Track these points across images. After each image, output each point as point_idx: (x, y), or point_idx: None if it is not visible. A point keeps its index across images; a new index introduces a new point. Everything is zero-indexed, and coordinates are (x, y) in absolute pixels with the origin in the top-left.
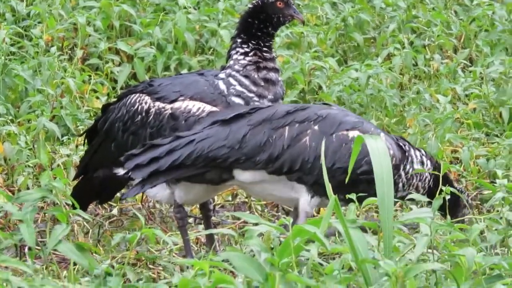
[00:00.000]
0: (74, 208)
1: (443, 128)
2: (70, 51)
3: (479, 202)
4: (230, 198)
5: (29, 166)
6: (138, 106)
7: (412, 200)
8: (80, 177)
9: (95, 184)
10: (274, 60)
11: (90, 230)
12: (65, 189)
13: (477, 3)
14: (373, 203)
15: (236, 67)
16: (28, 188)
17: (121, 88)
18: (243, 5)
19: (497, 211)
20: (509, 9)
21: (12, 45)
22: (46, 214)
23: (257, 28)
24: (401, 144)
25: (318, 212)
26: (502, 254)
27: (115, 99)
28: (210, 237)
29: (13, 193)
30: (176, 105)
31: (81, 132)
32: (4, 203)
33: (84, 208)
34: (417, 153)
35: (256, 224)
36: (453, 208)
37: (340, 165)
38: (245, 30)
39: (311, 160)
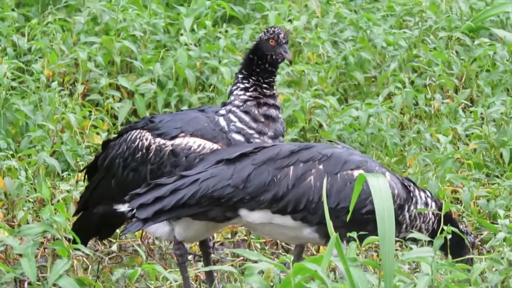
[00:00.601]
0: (75, 242)
1: (444, 168)
2: (71, 87)
3: (479, 243)
4: (229, 236)
5: (29, 201)
6: (138, 143)
7: (413, 240)
8: (80, 213)
9: (95, 219)
10: (275, 97)
11: (90, 266)
12: (66, 224)
13: (479, 43)
14: (374, 241)
15: (236, 102)
16: (28, 223)
17: (122, 124)
18: (243, 42)
19: (498, 251)
20: (511, 49)
21: (13, 79)
22: (46, 249)
23: (256, 65)
24: (406, 184)
25: (318, 250)
26: None
27: (115, 135)
28: (209, 275)
29: (13, 228)
30: (177, 141)
31: (81, 167)
32: (5, 237)
33: (84, 244)
34: (422, 194)
35: (256, 262)
36: (456, 249)
37: (345, 204)
38: (246, 66)
39: (315, 200)
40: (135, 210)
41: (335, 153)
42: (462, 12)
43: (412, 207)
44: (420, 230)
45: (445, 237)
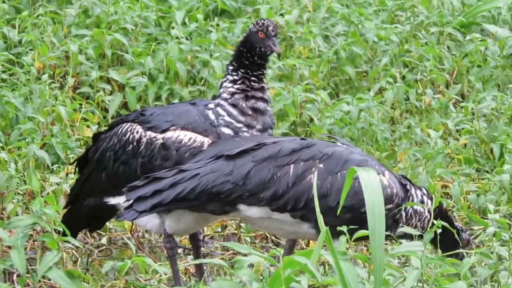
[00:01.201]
0: (65, 235)
1: (434, 163)
2: (61, 79)
3: (473, 241)
4: (219, 229)
5: (19, 193)
6: (129, 136)
7: (410, 237)
8: (70, 206)
9: (85, 212)
10: (264, 90)
11: (79, 259)
12: (56, 216)
13: (470, 38)
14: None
15: (224, 95)
16: (17, 215)
17: (112, 117)
18: (235, 36)
19: (488, 246)
20: (502, 45)
21: (3, 72)
22: (36, 242)
23: (246, 57)
24: (403, 183)
25: (307, 245)
26: None
27: (106, 128)
28: (199, 268)
29: (3, 220)
30: (168, 134)
31: (71, 160)
32: None
33: (73, 236)
34: (418, 192)
35: (246, 255)
36: (450, 247)
37: (345, 203)
38: (236, 58)
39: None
40: (131, 202)
41: (335, 152)
42: (453, 7)
43: (409, 206)
44: (415, 228)
45: (440, 235)
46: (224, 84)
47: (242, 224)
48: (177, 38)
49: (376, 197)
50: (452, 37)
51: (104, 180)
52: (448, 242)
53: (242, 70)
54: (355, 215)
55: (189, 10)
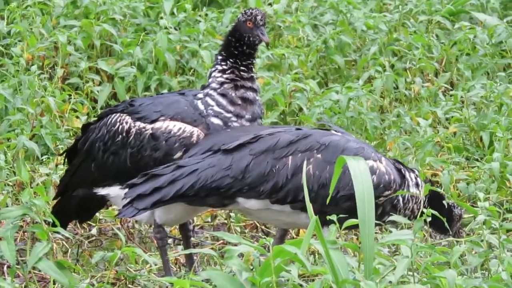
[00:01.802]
0: (54, 226)
1: (424, 151)
2: (50, 70)
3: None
4: (209, 219)
5: (8, 184)
6: (118, 126)
7: (393, 222)
8: (60, 197)
9: (74, 202)
10: (253, 79)
11: (69, 249)
12: (46, 207)
13: (459, 27)
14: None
15: (214, 85)
16: (7, 206)
17: (101, 108)
18: (223, 26)
19: (478, 234)
20: (491, 33)
21: None
22: (26, 233)
23: (235, 47)
24: (398, 167)
25: (297, 234)
26: (482, 277)
27: (95, 119)
28: (189, 258)
29: None
30: (157, 125)
31: (61, 151)
32: None
33: (63, 227)
34: (412, 175)
35: (236, 245)
36: (447, 223)
37: (344, 193)
38: (225, 48)
39: (315, 189)
40: (128, 199)
41: (332, 142)
42: None
43: (405, 190)
44: (412, 211)
45: (438, 209)
46: (213, 74)
47: (232, 214)
48: (165, 28)
49: (365, 186)
50: (441, 25)
51: (93, 170)
52: (440, 222)
53: (231, 60)
54: (354, 204)
55: (178, 0)
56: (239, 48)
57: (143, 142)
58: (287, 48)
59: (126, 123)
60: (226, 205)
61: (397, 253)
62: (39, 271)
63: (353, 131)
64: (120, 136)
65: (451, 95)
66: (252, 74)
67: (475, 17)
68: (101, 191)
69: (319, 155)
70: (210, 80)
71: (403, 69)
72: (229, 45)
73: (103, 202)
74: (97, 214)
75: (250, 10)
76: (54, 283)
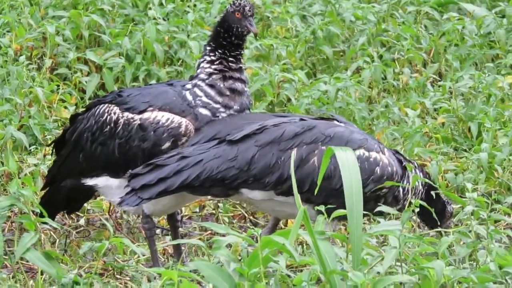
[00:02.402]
0: (42, 216)
1: (412, 142)
2: (39, 61)
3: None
4: (197, 210)
5: None
6: (107, 117)
7: (381, 214)
8: (48, 187)
9: (62, 193)
10: (241, 70)
11: (57, 240)
12: (34, 198)
13: (447, 17)
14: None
15: (202, 75)
16: None
17: (90, 98)
18: (212, 16)
19: (466, 224)
20: (479, 24)
21: None
22: (14, 223)
23: (223, 38)
24: (399, 158)
25: (286, 224)
26: (470, 267)
27: (83, 109)
28: (177, 248)
29: None
30: (145, 115)
31: (49, 141)
32: None
33: (51, 217)
34: (411, 166)
35: (224, 235)
36: (438, 218)
37: None
38: (214, 38)
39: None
40: (137, 191)
41: (337, 133)
42: None
43: (405, 181)
44: (411, 202)
45: (430, 206)
46: (202, 65)
47: (220, 204)
48: (154, 18)
49: (353, 176)
50: (429, 16)
51: (81, 161)
52: (437, 213)
53: (219, 51)
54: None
55: None
56: (227, 39)
57: (131, 133)
58: (276, 39)
59: (114, 113)
60: (230, 195)
61: (385, 243)
62: (27, 261)
63: None
64: (108, 126)
65: (439, 86)
66: (241, 65)
67: (464, 8)
68: (89, 181)
69: (323, 147)
70: (199, 70)
71: (391, 60)
72: (217, 36)
73: (91, 192)
74: (85, 204)
75: (239, 1)
76: (42, 274)
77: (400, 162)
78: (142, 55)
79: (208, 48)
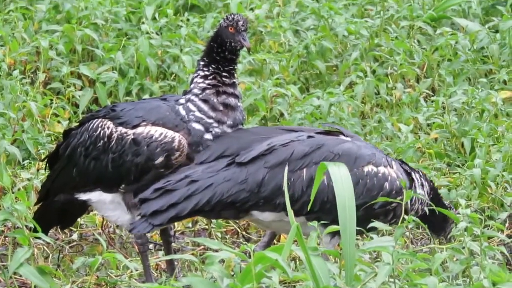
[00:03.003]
0: (36, 231)
1: (405, 157)
2: (32, 75)
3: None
4: (190, 225)
5: None
6: (100, 131)
7: (374, 229)
8: (41, 202)
9: (56, 208)
10: (235, 85)
11: (50, 255)
12: (27, 212)
13: (440, 32)
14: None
15: (195, 90)
16: None
17: (83, 113)
18: (205, 31)
19: (459, 241)
20: (472, 38)
21: None
22: (7, 238)
23: (216, 52)
24: (405, 169)
25: (278, 240)
26: (464, 284)
27: (77, 124)
28: (170, 264)
29: None
30: (138, 130)
31: (42, 156)
32: None
33: (45, 233)
34: (417, 175)
35: (217, 251)
36: (442, 223)
37: (358, 202)
38: (207, 53)
39: (330, 199)
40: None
41: (345, 151)
42: (424, 1)
43: (412, 192)
44: (417, 212)
45: (434, 212)
46: (195, 80)
47: (213, 220)
48: (147, 33)
49: (346, 192)
50: (422, 31)
51: (74, 176)
52: (441, 220)
53: (213, 66)
54: (368, 212)
55: (159, 5)
56: (221, 53)
57: (124, 147)
58: (269, 53)
59: (108, 128)
60: (240, 218)
61: (378, 259)
62: (20, 276)
63: None
64: (102, 141)
65: (432, 101)
66: (234, 80)
67: (457, 23)
68: (83, 196)
69: None
70: (192, 85)
71: (384, 75)
72: (211, 51)
73: (85, 207)
74: (78, 219)
75: (232, 16)
76: None
77: (407, 173)
78: (135, 70)
79: (202, 63)
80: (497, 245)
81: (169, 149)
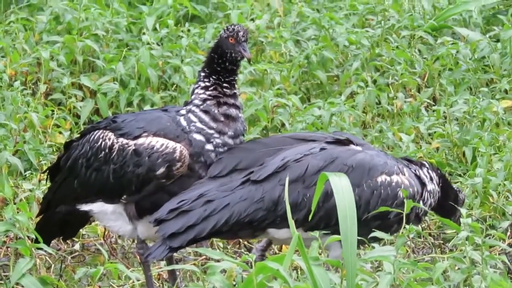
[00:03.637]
0: (37, 242)
1: None
2: (33, 86)
3: (442, 242)
4: None
5: None
6: (101, 143)
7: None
8: (43, 214)
9: (57, 219)
10: (236, 96)
11: (52, 265)
12: (29, 223)
13: (441, 42)
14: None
15: (196, 101)
16: None
17: (84, 123)
18: (206, 41)
19: (461, 250)
20: (473, 48)
21: None
22: (9, 249)
23: (217, 63)
24: (417, 174)
25: (280, 249)
26: None
27: (77, 135)
28: (172, 273)
29: None
30: (140, 141)
31: (44, 167)
32: None
33: (47, 243)
34: (425, 171)
35: (219, 261)
36: (454, 207)
37: (374, 212)
38: (208, 64)
39: None
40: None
41: (358, 162)
42: (424, 10)
43: (425, 193)
44: (430, 205)
45: (445, 197)
46: (196, 91)
47: None
48: (148, 44)
49: (347, 202)
50: (423, 40)
51: (76, 187)
52: (452, 202)
53: (214, 77)
54: (382, 222)
55: (160, 16)
56: (221, 64)
57: (125, 158)
58: (270, 64)
59: (109, 139)
60: (257, 236)
61: (380, 269)
62: (22, 287)
63: None
64: (103, 152)
65: (433, 111)
66: (235, 91)
67: (458, 32)
68: (84, 207)
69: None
70: (193, 96)
71: (385, 85)
72: (211, 62)
73: (86, 218)
74: (80, 229)
75: (232, 26)
76: None
77: (417, 177)
78: (136, 80)
79: (202, 74)
80: (499, 254)
81: (171, 159)
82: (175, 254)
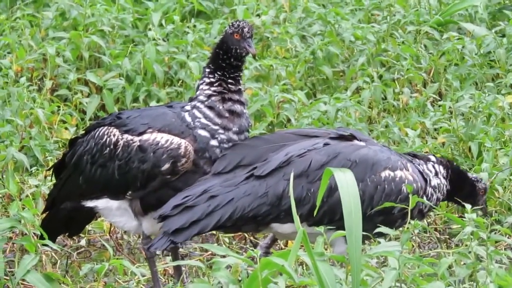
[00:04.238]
0: (43, 238)
1: None
2: (39, 82)
3: (447, 237)
4: None
5: None
6: (106, 139)
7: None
8: (49, 211)
9: (62, 216)
10: (240, 92)
11: (58, 261)
12: (34, 220)
13: (447, 37)
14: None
15: (201, 97)
16: None
17: (90, 119)
18: (212, 37)
19: (466, 245)
20: (479, 43)
21: None
22: (15, 244)
23: (222, 59)
24: (418, 167)
25: (286, 245)
26: None
27: (82, 132)
28: (177, 269)
29: None
30: (145, 137)
31: (50, 163)
32: None
33: (52, 240)
34: (430, 166)
35: (224, 256)
36: (472, 197)
37: (377, 208)
38: (213, 60)
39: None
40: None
41: (362, 157)
42: (430, 6)
43: (428, 189)
44: (437, 200)
45: (458, 191)
46: (201, 87)
47: None
48: (154, 39)
49: (352, 197)
50: (429, 35)
51: (81, 183)
52: (468, 195)
53: (219, 73)
54: (386, 217)
55: (166, 12)
56: (226, 60)
57: (130, 154)
58: (275, 59)
59: (114, 135)
60: (260, 231)
61: (385, 264)
62: (28, 283)
63: None
64: (108, 148)
65: (439, 106)
66: (240, 87)
67: (464, 28)
68: (89, 203)
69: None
70: (198, 92)
71: (391, 80)
72: (216, 58)
73: (92, 214)
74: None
75: (237, 22)
76: None
77: (421, 173)
78: (142, 76)
79: (207, 70)
80: (504, 249)
81: (175, 155)
82: (180, 249)
